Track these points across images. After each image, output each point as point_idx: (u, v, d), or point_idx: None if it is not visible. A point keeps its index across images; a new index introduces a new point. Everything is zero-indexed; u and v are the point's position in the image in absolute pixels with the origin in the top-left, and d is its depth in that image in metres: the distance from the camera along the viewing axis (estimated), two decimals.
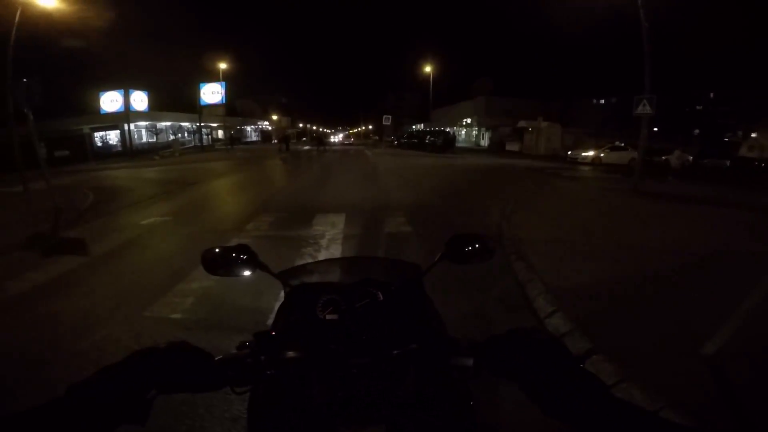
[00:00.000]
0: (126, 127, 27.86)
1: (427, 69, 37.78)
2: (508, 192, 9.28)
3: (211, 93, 31.70)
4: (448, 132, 32.20)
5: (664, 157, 16.66)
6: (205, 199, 9.12)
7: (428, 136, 29.74)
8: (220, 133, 38.65)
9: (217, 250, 0.88)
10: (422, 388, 0.70)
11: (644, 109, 9.57)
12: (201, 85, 31.51)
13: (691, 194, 9.53)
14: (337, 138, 40.61)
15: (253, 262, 0.88)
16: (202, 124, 32.40)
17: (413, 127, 53.08)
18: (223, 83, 31.54)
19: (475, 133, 43.73)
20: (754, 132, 30.66)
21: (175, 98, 33.88)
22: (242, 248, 0.88)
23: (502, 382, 0.56)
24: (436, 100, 40.61)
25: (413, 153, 25.89)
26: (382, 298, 0.84)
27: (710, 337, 2.44)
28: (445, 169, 15.78)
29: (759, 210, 7.57)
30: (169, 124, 33.87)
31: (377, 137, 43.84)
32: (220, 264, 0.87)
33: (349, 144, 34.61)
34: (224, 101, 32.04)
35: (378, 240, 5.25)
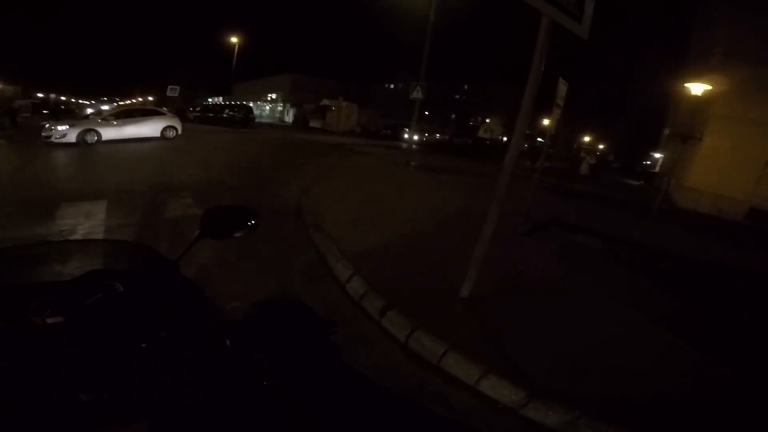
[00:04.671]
0: None
1: (232, 40, 34.22)
2: (308, 167, 9.43)
3: None
4: (250, 106, 30.09)
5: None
6: None
7: (226, 110, 26.90)
8: None
9: None
10: (176, 376, 0.65)
11: (417, 94, 11.41)
12: None
13: (449, 166, 12.30)
14: (91, 111, 30.66)
15: None
16: None
17: (209, 99, 47.37)
18: None
19: (280, 108, 43.14)
20: (488, 118, 41.92)
21: None
22: None
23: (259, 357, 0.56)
24: (241, 74, 37.67)
25: (208, 128, 22.98)
26: (122, 289, 0.76)
27: (462, 283, 3.05)
28: (245, 145, 14.67)
29: (489, 177, 10.40)
30: None
31: (161, 110, 36.86)
32: None
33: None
34: None
35: (155, 228, 4.29)
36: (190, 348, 0.64)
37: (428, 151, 16.95)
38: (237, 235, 0.92)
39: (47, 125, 11.30)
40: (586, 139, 49.36)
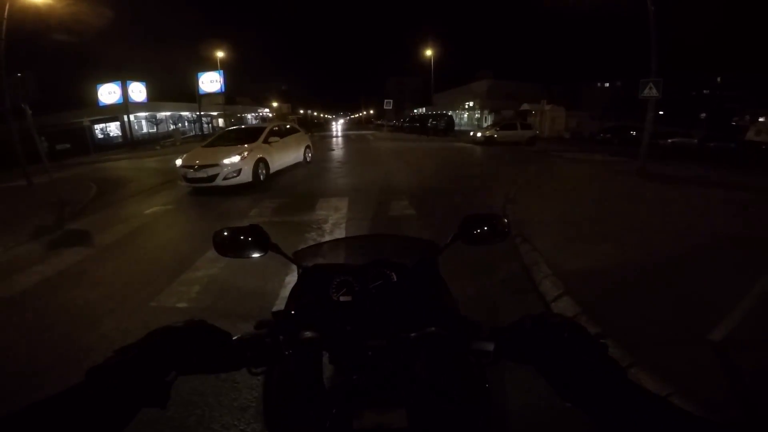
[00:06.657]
0: (126, 118, 27.72)
1: (428, 53, 37.38)
2: (511, 174, 9.17)
3: (210, 82, 31.33)
4: (451, 115, 31.81)
5: None
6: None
7: (430, 120, 29.43)
8: (221, 122, 38.61)
9: (226, 232, 0.84)
10: (438, 372, 0.69)
11: (650, 92, 9.33)
12: (199, 74, 31.13)
13: (697, 176, 9.40)
14: (336, 124, 39.99)
15: (265, 244, 0.84)
16: (202, 113, 32.23)
17: (414, 111, 52.77)
18: (222, 72, 31.14)
19: (477, 116, 43.66)
20: (761, 116, 29.81)
21: (173, 88, 33.69)
22: (253, 229, 0.84)
23: (515, 367, 0.55)
24: (438, 84, 40.43)
25: (415, 137, 25.65)
26: (395, 278, 0.83)
27: (717, 323, 2.40)
28: (447, 151, 15.62)
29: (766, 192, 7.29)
30: (168, 114, 33.72)
31: (379, 122, 43.28)
32: (231, 245, 0.84)
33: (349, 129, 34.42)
34: (223, 90, 31.62)
35: (381, 224, 5.20)
36: (456, 346, 0.62)
37: (666, 157, 13.52)
38: (486, 244, 0.90)
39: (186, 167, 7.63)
40: None
